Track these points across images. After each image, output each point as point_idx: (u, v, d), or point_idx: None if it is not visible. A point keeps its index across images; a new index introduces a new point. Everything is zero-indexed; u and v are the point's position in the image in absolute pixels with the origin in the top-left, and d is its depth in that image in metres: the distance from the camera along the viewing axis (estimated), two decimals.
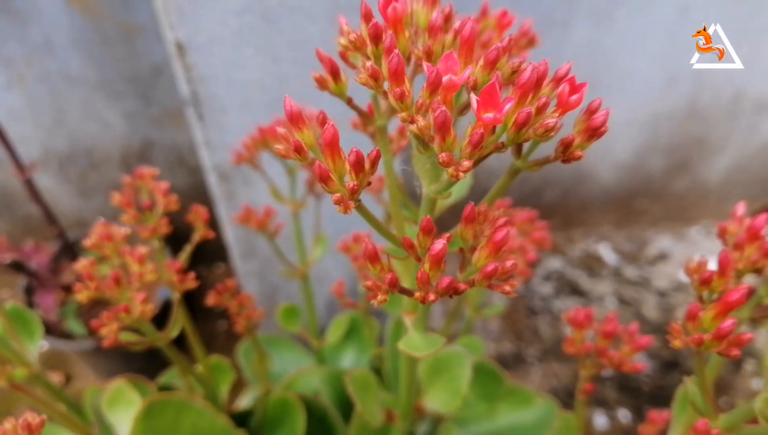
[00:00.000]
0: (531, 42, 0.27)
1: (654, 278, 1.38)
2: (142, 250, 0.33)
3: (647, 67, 1.18)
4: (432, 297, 0.17)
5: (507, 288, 0.17)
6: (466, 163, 0.15)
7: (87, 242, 0.39)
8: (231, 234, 0.74)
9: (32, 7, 0.98)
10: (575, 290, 1.35)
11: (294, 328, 0.50)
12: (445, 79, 0.15)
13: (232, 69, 0.58)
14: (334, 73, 0.20)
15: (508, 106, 0.15)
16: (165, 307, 1.10)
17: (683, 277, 1.38)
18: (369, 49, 0.18)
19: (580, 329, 0.34)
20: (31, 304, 1.12)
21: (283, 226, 0.44)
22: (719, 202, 1.47)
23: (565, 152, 0.17)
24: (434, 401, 0.34)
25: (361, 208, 0.19)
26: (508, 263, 0.17)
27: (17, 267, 0.93)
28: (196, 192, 1.28)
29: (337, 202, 0.17)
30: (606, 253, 1.44)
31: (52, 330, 1.09)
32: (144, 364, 1.18)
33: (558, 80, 0.16)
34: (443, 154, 0.15)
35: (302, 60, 0.57)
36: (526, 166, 0.18)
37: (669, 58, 1.17)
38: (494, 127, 0.15)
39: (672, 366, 1.20)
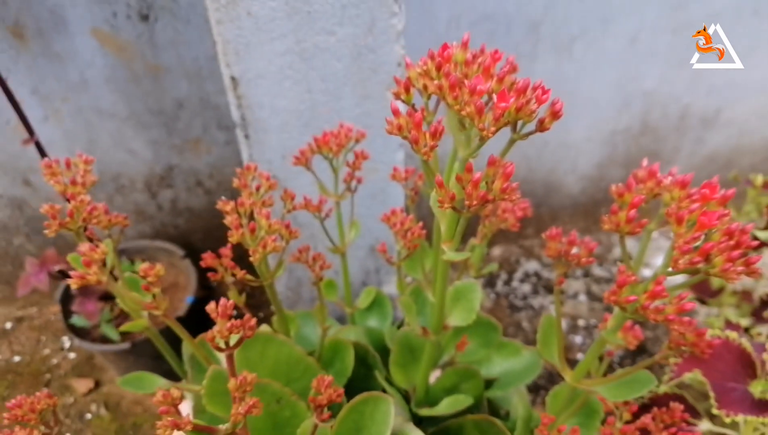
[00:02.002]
0: (514, 69, 0.41)
1: (617, 275, 1.55)
2: (267, 210, 0.44)
3: (604, 92, 1.37)
4: (475, 203, 0.31)
5: (514, 197, 0.31)
6: (492, 129, 0.29)
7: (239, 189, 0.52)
8: None
9: (70, 49, 1.12)
10: (551, 288, 1.51)
11: (333, 298, 0.65)
12: (478, 87, 0.29)
13: (274, 98, 0.73)
14: (407, 89, 0.34)
15: (511, 100, 0.29)
16: (190, 310, 1.23)
17: (646, 273, 1.55)
18: (434, 73, 0.32)
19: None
20: (66, 313, 1.24)
21: (333, 210, 0.59)
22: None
23: (541, 127, 0.31)
24: (455, 319, 0.48)
25: (428, 163, 0.32)
26: (513, 185, 0.31)
27: (64, 276, 1.06)
28: (213, 210, 1.43)
29: (425, 154, 0.31)
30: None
31: (88, 335, 1.21)
32: (171, 367, 1.30)
33: (535, 88, 0.30)
34: (480, 124, 0.29)
35: (331, 90, 0.73)
36: (519, 136, 0.32)
37: (622, 83, 1.36)
38: (504, 112, 0.29)
39: (641, 351, 1.36)
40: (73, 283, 0.44)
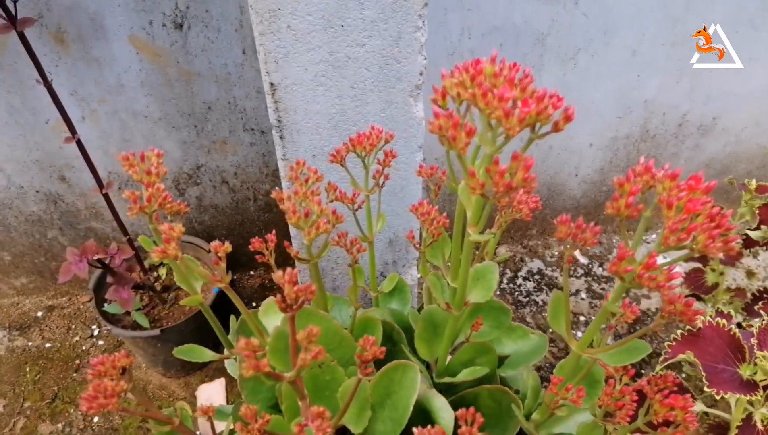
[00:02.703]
0: (531, 80, 0.47)
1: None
2: (318, 197, 0.52)
3: (606, 100, 1.44)
4: (501, 190, 0.38)
5: (534, 185, 0.38)
6: (517, 128, 0.36)
7: (288, 175, 0.59)
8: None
9: (109, 54, 1.20)
10: (554, 286, 1.59)
11: (361, 282, 0.72)
12: (505, 95, 0.36)
13: (307, 103, 0.81)
14: (443, 96, 0.42)
15: (533, 106, 0.36)
16: (216, 299, 1.31)
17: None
18: (468, 84, 0.39)
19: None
20: (99, 301, 1.32)
21: (364, 202, 0.66)
22: None
23: (555, 128, 0.39)
24: (475, 296, 0.56)
25: (462, 156, 0.40)
26: (533, 175, 0.38)
27: (102, 265, 1.14)
28: (237, 208, 1.51)
29: (461, 150, 0.38)
30: (578, 255, 1.69)
31: (119, 323, 1.29)
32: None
33: (551, 96, 0.38)
34: (507, 125, 0.37)
35: (359, 96, 0.81)
36: (537, 136, 0.40)
37: (623, 92, 1.43)
38: (527, 115, 0.36)
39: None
40: (155, 256, 0.52)
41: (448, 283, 0.58)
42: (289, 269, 0.42)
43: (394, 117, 0.84)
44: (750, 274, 1.24)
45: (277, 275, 0.40)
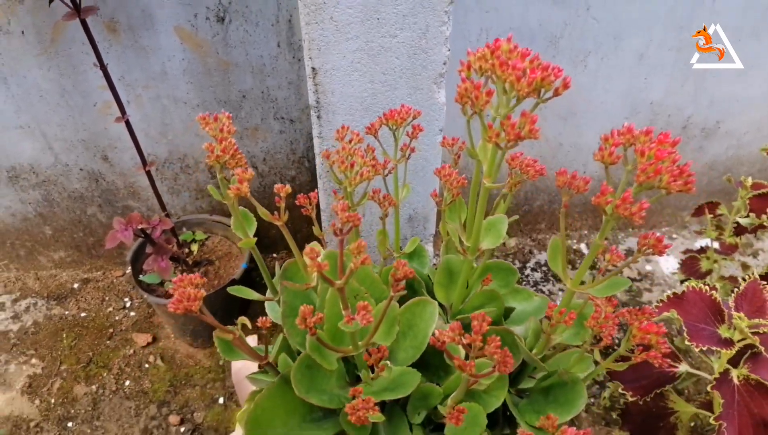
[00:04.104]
0: (538, 59, 0.55)
1: (624, 269, 1.71)
2: (362, 152, 0.62)
3: (614, 100, 1.54)
4: (512, 138, 0.47)
5: (538, 136, 0.47)
6: (526, 90, 0.46)
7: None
8: (324, 202, 1.07)
9: (155, 44, 1.31)
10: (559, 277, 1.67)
11: (386, 243, 0.82)
12: (518, 65, 0.46)
13: (343, 86, 0.91)
14: (468, 68, 0.51)
15: (538, 73, 0.46)
16: (244, 275, 1.41)
17: (648, 268, 1.71)
18: (488, 57, 0.48)
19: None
20: (136, 271, 1.42)
21: (394, 168, 0.76)
22: (675, 212, 1.82)
23: (555, 93, 0.48)
24: (487, 243, 0.65)
25: (482, 114, 0.49)
26: (537, 127, 0.47)
27: (144, 235, 1.24)
28: (264, 192, 1.61)
29: (482, 107, 0.47)
30: (584, 249, 1.78)
31: (153, 292, 1.40)
32: (224, 321, 1.47)
33: (553, 68, 0.47)
34: (518, 87, 0.46)
35: (389, 82, 0.91)
36: (542, 100, 0.49)
37: (631, 93, 1.53)
38: (534, 80, 0.46)
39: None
40: (232, 192, 0.61)
41: (463, 241, 0.68)
42: (341, 202, 0.51)
43: (419, 102, 0.94)
44: (745, 266, 1.32)
45: (333, 204, 0.49)
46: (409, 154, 0.79)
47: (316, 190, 0.72)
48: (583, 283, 0.64)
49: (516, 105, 0.49)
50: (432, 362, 0.69)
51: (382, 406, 0.67)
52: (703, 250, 1.29)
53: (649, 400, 0.88)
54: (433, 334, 0.51)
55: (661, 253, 0.54)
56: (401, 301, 0.70)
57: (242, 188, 0.58)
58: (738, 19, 1.41)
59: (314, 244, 0.68)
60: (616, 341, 1.48)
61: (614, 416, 1.33)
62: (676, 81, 1.52)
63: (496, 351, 0.47)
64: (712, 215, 1.18)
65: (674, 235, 1.82)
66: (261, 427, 0.60)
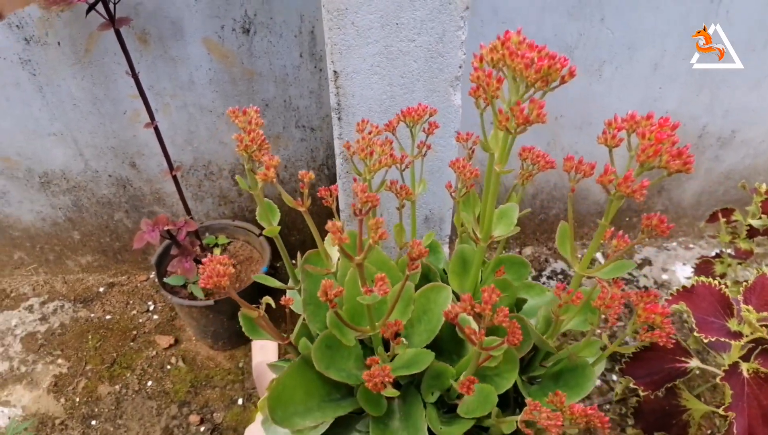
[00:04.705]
0: (546, 50, 0.59)
1: (640, 278, 1.72)
2: (380, 143, 0.67)
3: (629, 110, 1.55)
4: (521, 122, 0.50)
5: (545, 120, 0.50)
6: (534, 76, 0.49)
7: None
8: (342, 201, 1.10)
9: (184, 54, 1.37)
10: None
11: (402, 236, 0.85)
12: (527, 54, 0.49)
13: (363, 89, 0.95)
14: (481, 60, 0.55)
15: (545, 61, 0.49)
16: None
17: (664, 277, 1.72)
18: (499, 48, 0.52)
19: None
20: (160, 274, 1.47)
21: (410, 163, 0.79)
22: (692, 222, 1.82)
23: (562, 81, 0.51)
24: (499, 231, 0.68)
25: (494, 101, 0.52)
26: (544, 112, 0.50)
27: (170, 236, 1.29)
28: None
29: (493, 93, 0.51)
30: (600, 258, 1.79)
31: (177, 294, 1.44)
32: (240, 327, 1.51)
33: (559, 58, 0.50)
34: (527, 74, 0.49)
35: (407, 85, 0.95)
36: (549, 89, 0.52)
37: (646, 102, 1.55)
38: (541, 68, 0.49)
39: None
40: (260, 178, 0.65)
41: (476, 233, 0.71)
42: (360, 184, 0.55)
43: (436, 104, 0.98)
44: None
45: (353, 185, 0.53)
46: (426, 151, 0.82)
47: (336, 184, 0.76)
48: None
49: (525, 93, 0.52)
50: (446, 348, 0.71)
51: (398, 387, 0.69)
52: (718, 255, 1.30)
53: (661, 396, 0.89)
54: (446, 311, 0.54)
55: (663, 233, 0.56)
56: (417, 290, 0.74)
57: (269, 174, 0.62)
58: (752, 29, 1.43)
59: (336, 219, 0.72)
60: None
61: (629, 422, 1.33)
62: (691, 90, 1.54)
63: (504, 320, 0.49)
64: (725, 220, 1.20)
65: (691, 245, 1.82)
66: (282, 403, 0.63)
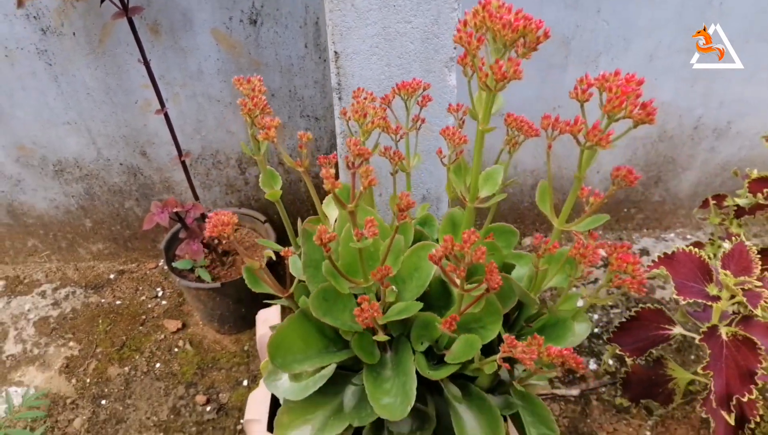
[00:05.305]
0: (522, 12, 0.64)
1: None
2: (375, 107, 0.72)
3: None
4: (499, 77, 0.55)
5: (521, 77, 0.54)
6: (511, 35, 0.53)
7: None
8: (342, 179, 1.14)
9: (193, 44, 1.42)
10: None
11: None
12: (505, 17, 0.54)
13: (362, 69, 1.00)
14: (465, 24, 0.59)
15: (521, 22, 0.53)
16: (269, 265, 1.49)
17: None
18: (480, 12, 0.57)
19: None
20: (169, 259, 1.52)
21: (405, 135, 0.84)
22: (689, 213, 1.86)
23: (537, 41, 0.56)
24: (485, 191, 0.72)
25: (475, 57, 0.57)
26: (521, 68, 0.55)
27: (179, 219, 1.34)
28: (289, 187, 1.70)
29: (474, 49, 0.55)
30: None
31: (185, 278, 1.49)
32: (249, 308, 1.56)
33: (535, 20, 0.55)
34: (505, 33, 0.54)
35: (404, 65, 0.99)
36: (527, 50, 0.57)
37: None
38: (518, 27, 0.54)
39: None
40: (262, 138, 0.70)
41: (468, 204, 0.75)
42: (354, 140, 0.59)
43: (432, 84, 1.02)
44: None
45: (347, 140, 0.57)
46: (420, 125, 0.86)
47: (335, 152, 0.80)
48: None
49: (505, 52, 0.56)
50: (435, 304, 0.75)
51: (390, 341, 0.74)
52: (710, 239, 1.33)
53: (649, 367, 0.93)
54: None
55: (631, 184, 0.60)
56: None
57: (270, 133, 0.67)
58: (746, 21, 1.47)
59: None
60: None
61: (625, 405, 1.36)
62: (686, 82, 1.58)
63: (482, 256, 0.54)
64: (716, 204, 1.23)
65: (688, 236, 1.85)
66: (281, 350, 0.68)
